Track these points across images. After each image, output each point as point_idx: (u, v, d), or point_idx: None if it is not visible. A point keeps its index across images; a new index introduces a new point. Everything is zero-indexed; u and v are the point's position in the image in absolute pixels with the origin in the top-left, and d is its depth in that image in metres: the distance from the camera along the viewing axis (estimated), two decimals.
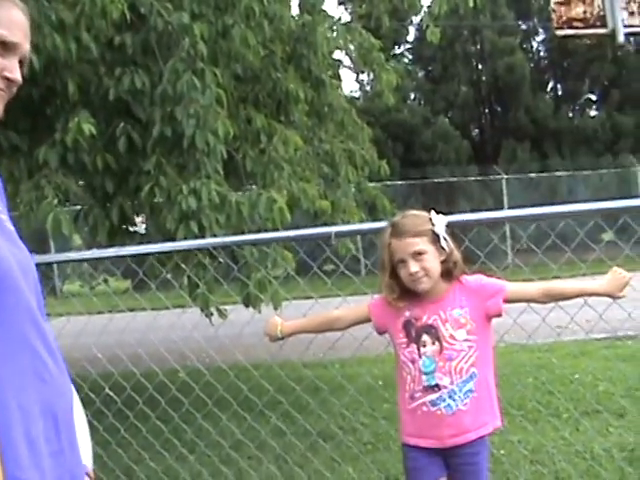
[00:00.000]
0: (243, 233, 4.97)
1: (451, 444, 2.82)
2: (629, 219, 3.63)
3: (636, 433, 5.32)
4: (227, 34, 5.76)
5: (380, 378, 6.63)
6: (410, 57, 28.09)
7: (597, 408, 5.80)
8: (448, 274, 2.84)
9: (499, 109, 26.50)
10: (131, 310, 4.88)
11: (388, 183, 16.39)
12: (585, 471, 4.71)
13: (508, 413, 5.28)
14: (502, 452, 5.10)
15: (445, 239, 2.81)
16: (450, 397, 2.78)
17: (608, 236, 18.51)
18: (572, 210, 3.57)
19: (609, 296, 2.87)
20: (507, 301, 2.86)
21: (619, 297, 2.86)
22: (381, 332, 3.00)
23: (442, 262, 2.81)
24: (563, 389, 6.74)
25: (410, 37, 27.65)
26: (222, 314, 5.93)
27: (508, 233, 18.65)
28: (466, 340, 2.79)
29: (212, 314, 5.91)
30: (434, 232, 2.80)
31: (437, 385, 2.78)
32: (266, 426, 4.87)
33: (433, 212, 2.88)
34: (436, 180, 21.36)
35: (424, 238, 2.78)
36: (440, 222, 2.83)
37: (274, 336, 3.11)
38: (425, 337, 2.80)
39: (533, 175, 22.17)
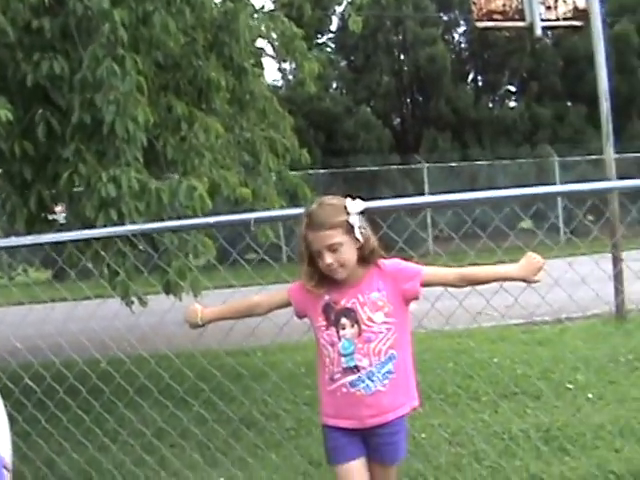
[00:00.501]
0: (163, 220, 4.94)
1: (371, 424, 2.89)
2: (542, 205, 3.73)
3: (552, 414, 5.49)
4: (148, 20, 5.70)
5: (302, 365, 6.68)
6: (333, 46, 28.17)
7: (515, 390, 5.98)
8: (365, 260, 2.89)
9: (420, 99, 26.80)
10: (52, 300, 4.82)
11: (310, 172, 16.45)
12: (503, 451, 4.85)
13: (429, 397, 5.40)
14: (423, 435, 5.20)
15: (361, 228, 2.85)
16: (369, 378, 2.84)
17: (526, 224, 19.03)
18: (486, 196, 3.65)
19: (524, 280, 2.95)
20: (424, 285, 2.92)
21: (534, 281, 2.94)
22: (301, 316, 3.04)
23: (358, 249, 2.86)
24: (482, 373, 6.90)
25: (333, 26, 27.76)
26: (142, 301, 5.89)
27: (429, 221, 18.95)
28: (384, 322, 2.85)
29: (132, 302, 5.87)
30: (349, 222, 2.84)
31: (356, 366, 2.84)
32: (188, 413, 4.88)
33: (349, 200, 2.90)
34: (358, 169, 21.47)
35: (338, 230, 2.81)
36: (356, 209, 2.86)
37: (194, 323, 3.13)
38: (344, 320, 2.86)
39: (454, 164, 22.50)
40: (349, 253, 2.83)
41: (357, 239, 2.83)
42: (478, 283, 3.04)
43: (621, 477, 4.33)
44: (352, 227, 2.82)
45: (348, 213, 2.84)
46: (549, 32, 24.13)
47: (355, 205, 2.88)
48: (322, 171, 20.70)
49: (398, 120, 27.55)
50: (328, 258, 2.80)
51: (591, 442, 4.93)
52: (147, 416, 4.95)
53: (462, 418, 5.49)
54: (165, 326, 4.58)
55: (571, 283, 4.02)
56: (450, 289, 3.21)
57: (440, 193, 3.81)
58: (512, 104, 28.00)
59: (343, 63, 27.52)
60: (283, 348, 7.80)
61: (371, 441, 2.94)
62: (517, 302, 3.75)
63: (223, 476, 4.71)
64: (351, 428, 2.91)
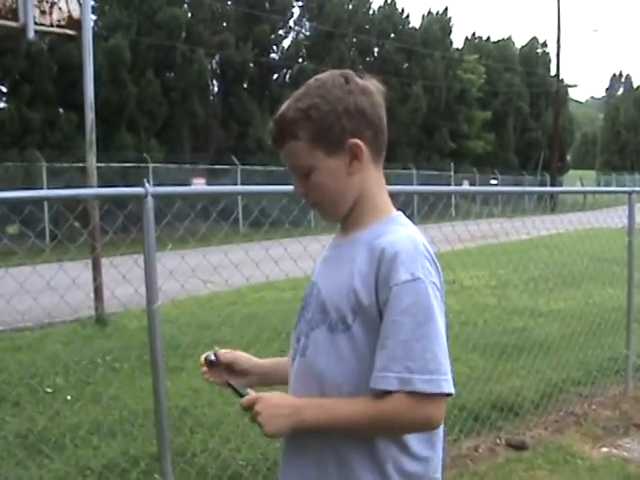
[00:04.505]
0: None
1: None
2: (35, 209, 3.77)
3: (32, 419, 5.51)
4: None
5: None
6: None
7: None
8: None
9: None
10: None
11: None
12: None
13: None
14: None
15: None
16: None
17: (13, 229, 18.44)
18: None
19: None
20: None
21: None
22: None
23: None
24: None
25: None
26: None
27: None
28: None
29: None
30: None
31: None
32: None
33: None
34: None
35: None
36: None
37: None
38: None
39: None
40: None
41: None
42: None
43: (96, 472, 4.57)
44: None
45: None
46: (46, 37, 23.93)
47: None
48: None
49: None
50: None
51: (70, 443, 5.09)
52: None
53: None
54: None
55: (53, 289, 4.13)
56: None
57: None
58: (2, 105, 27.19)
59: None
60: None
61: None
62: None
63: None
64: None
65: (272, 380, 2.14)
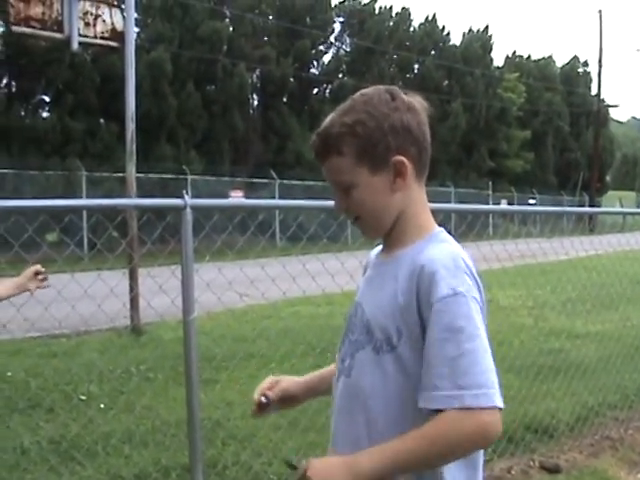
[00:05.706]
0: None
1: None
2: (75, 218, 3.82)
3: (65, 425, 5.55)
4: None
5: None
6: None
7: (27, 404, 5.93)
8: None
9: None
10: None
11: None
12: (14, 466, 4.82)
13: None
14: None
15: None
16: None
17: (52, 237, 18.56)
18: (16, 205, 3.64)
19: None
20: None
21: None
22: None
23: None
24: None
25: None
26: None
27: None
28: None
29: None
30: None
31: None
32: None
33: None
34: None
35: None
36: None
37: None
38: None
39: None
40: None
41: None
42: None
43: None
44: None
45: None
46: (89, 48, 24.24)
47: None
48: None
49: None
50: None
51: (102, 451, 5.11)
52: None
53: None
54: None
55: (90, 297, 4.15)
56: None
57: None
58: (45, 114, 27.55)
59: None
60: None
61: None
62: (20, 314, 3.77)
63: None
64: None
65: (319, 392, 2.17)
